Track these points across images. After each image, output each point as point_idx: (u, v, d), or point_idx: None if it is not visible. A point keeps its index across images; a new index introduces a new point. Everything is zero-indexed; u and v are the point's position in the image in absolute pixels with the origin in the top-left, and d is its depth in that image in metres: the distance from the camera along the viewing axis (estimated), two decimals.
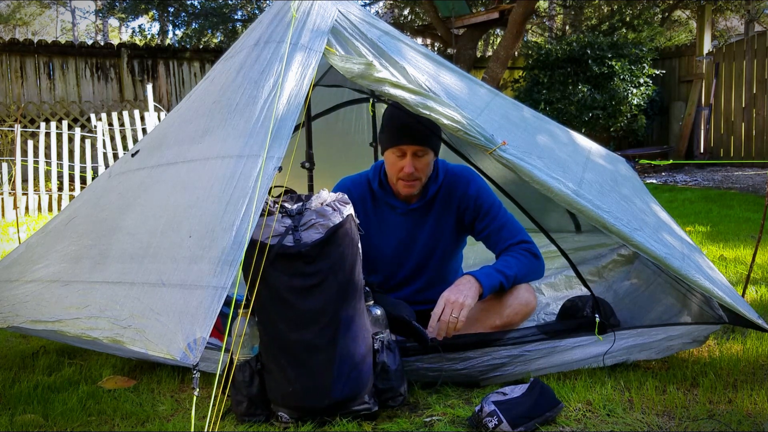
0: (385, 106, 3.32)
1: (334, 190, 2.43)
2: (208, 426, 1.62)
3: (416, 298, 2.48)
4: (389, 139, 2.31)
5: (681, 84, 10.64)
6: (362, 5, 11.62)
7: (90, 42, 11.08)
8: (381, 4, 18.71)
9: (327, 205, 1.93)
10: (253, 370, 1.91)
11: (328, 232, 1.88)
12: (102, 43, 11.14)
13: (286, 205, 1.92)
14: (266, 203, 1.89)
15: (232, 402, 1.95)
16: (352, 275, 1.91)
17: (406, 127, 2.26)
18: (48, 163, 7.28)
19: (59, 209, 7.08)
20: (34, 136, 8.01)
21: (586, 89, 9.39)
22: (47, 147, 7.44)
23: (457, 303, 2.08)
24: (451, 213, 2.43)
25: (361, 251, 1.97)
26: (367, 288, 2.00)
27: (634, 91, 9.52)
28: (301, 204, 1.93)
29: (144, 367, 2.41)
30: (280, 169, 1.81)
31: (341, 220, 1.90)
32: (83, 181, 7.59)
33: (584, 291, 2.38)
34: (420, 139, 2.27)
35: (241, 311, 1.92)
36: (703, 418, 1.88)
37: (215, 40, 16.85)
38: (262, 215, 1.87)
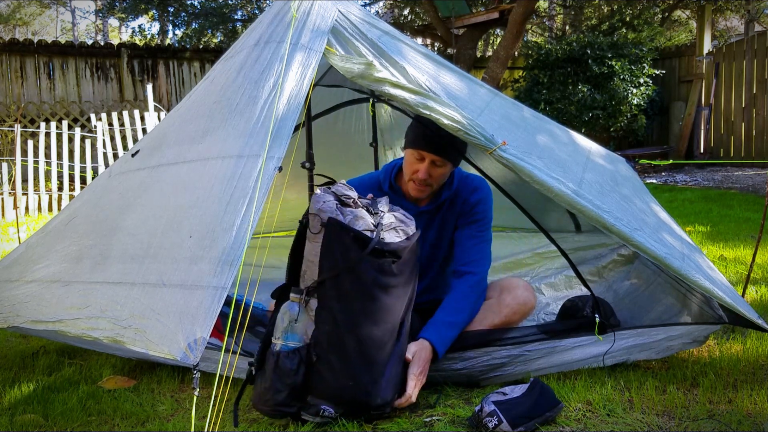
0: (385, 106, 3.35)
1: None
2: (208, 426, 1.62)
3: (421, 299, 2.48)
4: (414, 139, 2.31)
5: (681, 84, 10.64)
6: (362, 5, 11.62)
7: (90, 42, 11.08)
8: (381, 4, 18.71)
9: (401, 213, 2.05)
10: (302, 360, 1.85)
11: (412, 237, 1.97)
12: (102, 43, 11.14)
13: (364, 201, 1.99)
14: (357, 197, 1.97)
15: (267, 390, 1.85)
16: (416, 283, 2.02)
17: (434, 134, 2.23)
18: (48, 163, 7.28)
19: (59, 209, 7.09)
20: (34, 136, 8.01)
21: (586, 89, 9.39)
22: (47, 147, 7.44)
23: (420, 380, 2.02)
24: (453, 217, 2.43)
25: None
26: None
27: (634, 91, 9.52)
28: (371, 202, 2.01)
29: (144, 367, 2.41)
30: (280, 169, 1.81)
31: (416, 230, 2.02)
32: (83, 181, 7.59)
33: (584, 291, 2.39)
34: (442, 150, 2.27)
35: (296, 298, 1.88)
36: (703, 418, 1.88)
37: (215, 40, 16.85)
38: (346, 205, 1.92)
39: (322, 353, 1.86)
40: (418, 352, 2.04)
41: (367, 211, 1.97)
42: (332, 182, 2.09)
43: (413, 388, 1.97)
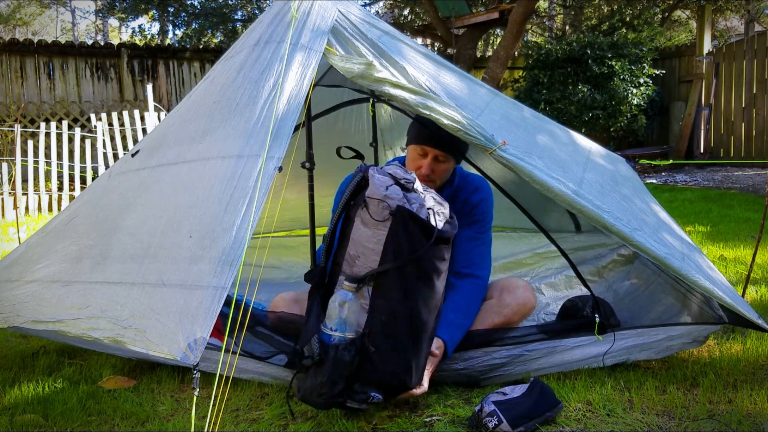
0: (385, 106, 3.35)
1: (347, 180, 2.44)
2: (208, 426, 1.62)
3: None
4: (417, 136, 2.31)
5: (681, 84, 10.64)
6: (362, 5, 11.62)
7: (90, 42, 11.08)
8: (381, 4, 18.71)
9: (434, 193, 2.03)
10: (357, 350, 1.82)
11: (453, 222, 1.98)
12: (102, 43, 11.14)
13: (408, 177, 1.95)
14: (413, 178, 1.94)
15: (324, 384, 1.79)
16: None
17: (437, 130, 2.22)
18: (48, 163, 7.28)
19: (59, 209, 7.09)
20: (34, 136, 8.01)
21: (586, 89, 9.39)
22: (47, 147, 7.44)
23: (431, 374, 2.03)
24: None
25: None
26: None
27: (634, 91, 9.52)
28: (410, 180, 1.96)
29: (144, 367, 2.41)
30: (280, 169, 1.81)
31: (453, 214, 2.03)
32: (83, 181, 7.59)
33: (584, 291, 2.38)
34: (446, 146, 2.27)
35: (351, 287, 1.84)
36: (703, 418, 1.88)
37: (215, 40, 16.85)
38: (408, 190, 1.89)
39: (377, 343, 1.82)
40: (436, 354, 2.04)
41: (414, 190, 1.95)
42: (360, 156, 2.06)
43: (428, 381, 1.97)
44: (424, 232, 1.87)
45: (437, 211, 1.96)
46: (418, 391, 1.93)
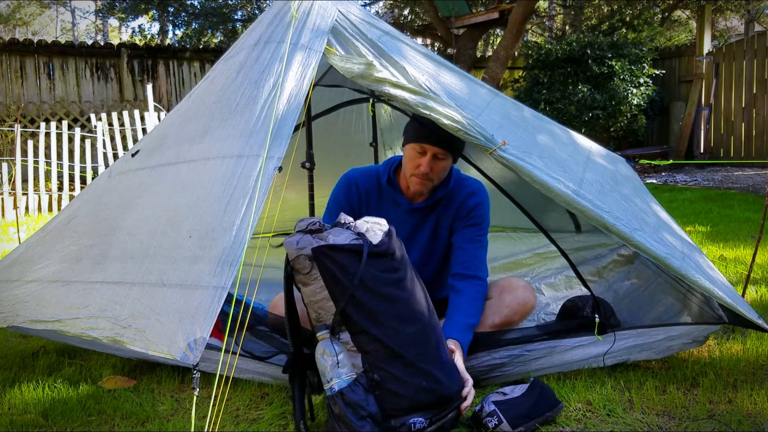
0: (385, 106, 3.35)
1: (342, 180, 2.44)
2: (208, 426, 1.62)
3: None
4: (415, 134, 2.30)
5: (681, 84, 10.64)
6: (362, 5, 11.61)
7: (90, 42, 11.08)
8: (381, 4, 18.71)
9: (368, 217, 1.98)
10: (365, 387, 1.77)
11: (390, 232, 1.91)
12: (102, 43, 11.13)
13: (312, 220, 1.91)
14: (317, 220, 1.91)
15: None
16: (414, 271, 1.97)
17: (435, 128, 2.21)
18: (48, 163, 7.28)
19: (59, 209, 7.09)
20: (34, 136, 8.01)
21: (586, 89, 9.39)
22: (47, 147, 7.44)
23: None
24: (448, 218, 2.43)
25: None
26: None
27: (634, 91, 9.52)
28: (314, 222, 1.93)
29: (144, 367, 2.41)
30: (280, 169, 1.81)
31: (390, 225, 1.95)
32: (83, 181, 7.59)
33: (584, 291, 2.38)
34: (445, 143, 2.26)
35: (325, 335, 1.79)
36: (703, 418, 1.88)
37: (215, 40, 16.85)
38: (317, 232, 1.85)
39: (380, 371, 1.78)
40: (456, 350, 2.03)
41: (342, 226, 1.91)
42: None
43: (468, 375, 1.95)
44: (353, 255, 1.81)
45: (375, 230, 1.89)
46: (465, 389, 1.89)
